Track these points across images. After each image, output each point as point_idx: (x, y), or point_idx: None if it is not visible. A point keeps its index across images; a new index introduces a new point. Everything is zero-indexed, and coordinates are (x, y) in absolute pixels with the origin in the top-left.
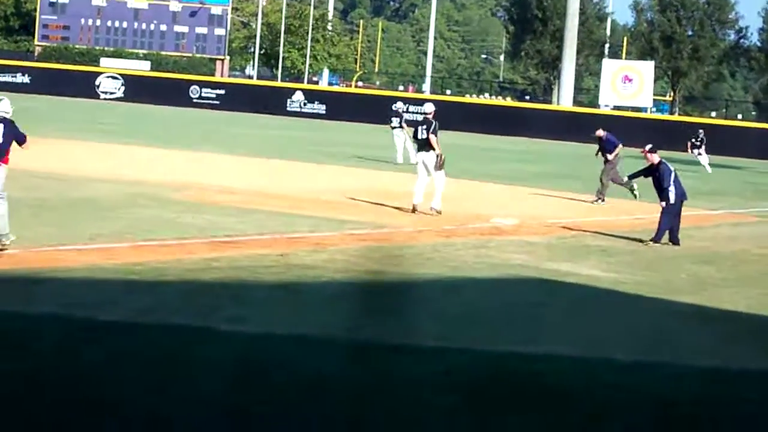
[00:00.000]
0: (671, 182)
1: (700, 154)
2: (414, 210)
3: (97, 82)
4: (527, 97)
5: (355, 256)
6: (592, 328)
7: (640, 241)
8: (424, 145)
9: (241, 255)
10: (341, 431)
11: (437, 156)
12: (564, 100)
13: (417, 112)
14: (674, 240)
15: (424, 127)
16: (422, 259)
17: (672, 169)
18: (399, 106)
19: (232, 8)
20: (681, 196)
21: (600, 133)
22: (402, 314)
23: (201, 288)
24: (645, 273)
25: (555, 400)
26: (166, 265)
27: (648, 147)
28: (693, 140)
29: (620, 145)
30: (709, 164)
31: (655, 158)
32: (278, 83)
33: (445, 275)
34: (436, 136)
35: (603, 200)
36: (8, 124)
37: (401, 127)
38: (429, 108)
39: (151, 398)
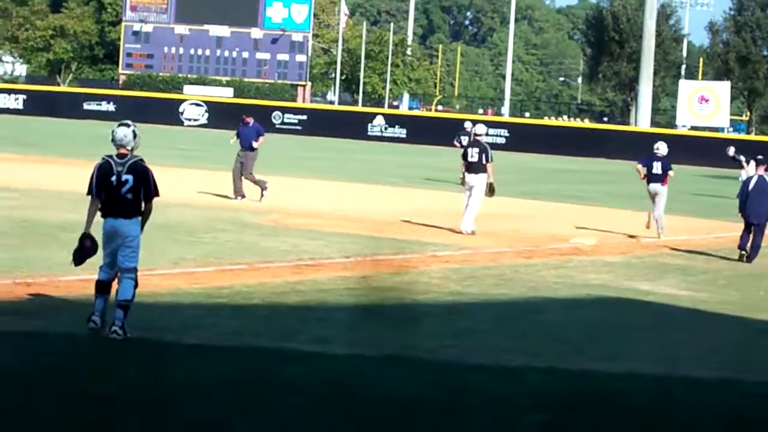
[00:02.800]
0: None
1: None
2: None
3: (180, 109)
4: (605, 119)
5: (436, 278)
6: (673, 346)
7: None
8: (475, 169)
9: (324, 278)
10: None
11: (489, 184)
12: (642, 121)
13: (495, 135)
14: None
15: (476, 150)
16: (503, 279)
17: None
18: (468, 125)
19: (313, 35)
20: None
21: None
22: (485, 334)
23: (285, 311)
24: (724, 291)
25: (639, 418)
26: (250, 288)
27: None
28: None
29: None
30: None
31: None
32: (359, 108)
33: (526, 295)
34: (491, 162)
35: None
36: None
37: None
38: (481, 129)
39: (240, 420)
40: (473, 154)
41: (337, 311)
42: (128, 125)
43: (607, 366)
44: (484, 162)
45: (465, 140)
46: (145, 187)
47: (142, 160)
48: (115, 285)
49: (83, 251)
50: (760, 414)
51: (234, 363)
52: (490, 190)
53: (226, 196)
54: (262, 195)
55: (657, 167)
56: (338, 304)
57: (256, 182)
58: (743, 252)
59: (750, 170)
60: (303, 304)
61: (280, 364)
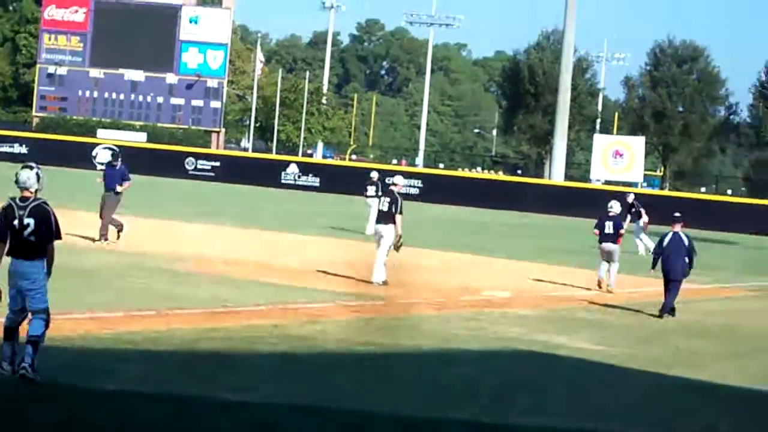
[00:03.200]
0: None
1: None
2: (384, 283)
3: (93, 153)
4: (519, 171)
5: (348, 327)
6: (592, 401)
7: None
8: (384, 218)
9: (237, 326)
10: None
11: (398, 237)
12: (556, 174)
13: (408, 186)
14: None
15: (388, 200)
16: (415, 331)
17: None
18: (374, 175)
19: (228, 81)
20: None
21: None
22: (398, 385)
23: (197, 358)
24: (638, 346)
25: None
26: (160, 334)
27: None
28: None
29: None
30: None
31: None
32: (273, 155)
33: (439, 347)
34: (401, 214)
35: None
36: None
37: (377, 196)
38: (399, 181)
39: None
40: (384, 203)
41: (248, 359)
42: (31, 167)
43: (529, 421)
44: (393, 212)
45: (371, 190)
46: (47, 229)
47: (45, 203)
48: (24, 327)
49: None
50: None
51: (145, 409)
52: (397, 244)
53: (92, 238)
54: (118, 236)
55: (609, 227)
56: (250, 353)
57: (113, 223)
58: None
59: (645, 219)
60: (215, 352)
61: (190, 411)
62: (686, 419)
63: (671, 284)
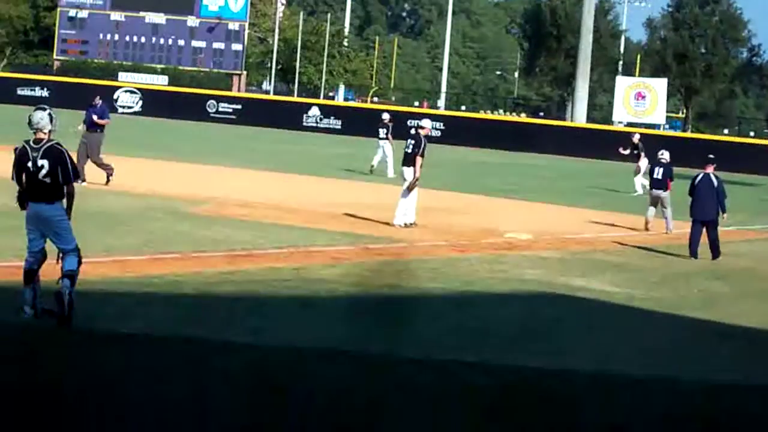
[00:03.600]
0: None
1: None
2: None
3: (115, 96)
4: (541, 114)
5: (370, 270)
6: (607, 343)
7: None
8: (406, 160)
9: (257, 269)
10: None
11: (415, 178)
12: (578, 116)
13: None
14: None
15: (412, 142)
16: (437, 273)
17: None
18: (385, 117)
19: (249, 24)
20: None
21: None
22: (417, 328)
23: (217, 301)
24: (657, 289)
25: (572, 415)
26: (182, 278)
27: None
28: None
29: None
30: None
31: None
32: (294, 98)
33: (460, 289)
34: (422, 157)
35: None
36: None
37: (387, 138)
38: (426, 124)
39: (171, 410)
40: (408, 145)
41: (269, 302)
42: (44, 109)
43: (540, 362)
44: (415, 153)
45: (382, 132)
46: (63, 170)
47: (58, 144)
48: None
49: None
50: (694, 412)
51: (165, 353)
52: (411, 185)
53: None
54: (108, 180)
55: (658, 173)
56: (270, 296)
57: (101, 166)
58: (694, 258)
59: (643, 163)
60: (235, 295)
61: (211, 354)
62: (697, 360)
63: (705, 225)
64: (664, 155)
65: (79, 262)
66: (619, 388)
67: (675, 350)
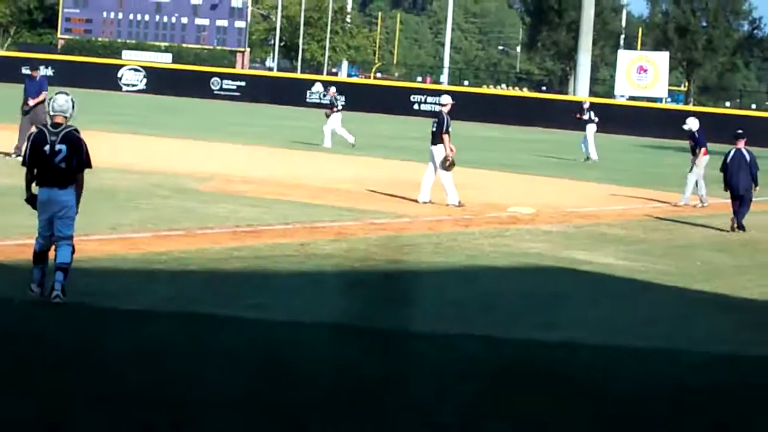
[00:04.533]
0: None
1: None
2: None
3: (119, 75)
4: (543, 88)
5: (374, 246)
6: (610, 315)
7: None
8: (433, 139)
9: (262, 245)
10: (362, 418)
11: (445, 158)
12: (580, 90)
13: (434, 104)
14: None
15: (436, 121)
16: (441, 248)
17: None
18: (332, 90)
19: (252, 1)
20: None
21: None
22: (421, 302)
23: (223, 277)
24: (661, 261)
25: (577, 388)
26: (188, 254)
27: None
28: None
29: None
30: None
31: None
32: (298, 75)
33: (464, 264)
34: (448, 134)
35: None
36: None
37: (331, 109)
38: (445, 100)
39: (176, 385)
40: (433, 124)
41: (275, 278)
42: (67, 94)
43: (544, 335)
44: (441, 131)
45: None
46: (78, 157)
47: (76, 130)
48: (52, 253)
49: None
50: (698, 383)
51: (171, 329)
52: (445, 163)
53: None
54: (11, 155)
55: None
56: (276, 271)
57: (22, 139)
58: (742, 230)
59: (590, 130)
60: (241, 271)
61: (217, 330)
62: (699, 332)
63: (740, 199)
64: (688, 123)
65: (73, 252)
66: (623, 360)
67: (678, 322)
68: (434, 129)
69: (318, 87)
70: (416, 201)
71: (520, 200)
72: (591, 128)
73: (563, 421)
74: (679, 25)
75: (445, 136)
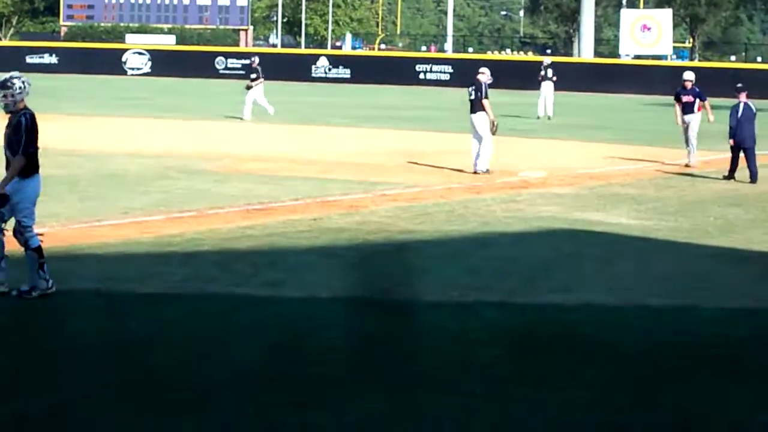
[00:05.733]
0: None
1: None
2: (475, 173)
3: (123, 59)
4: (548, 51)
5: (387, 217)
6: (626, 276)
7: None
8: (473, 107)
9: (275, 221)
10: (385, 391)
11: (492, 121)
12: (585, 51)
13: (439, 72)
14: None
15: (473, 88)
16: (453, 215)
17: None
18: (255, 60)
19: None
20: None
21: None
22: (437, 271)
23: (237, 256)
24: (674, 218)
25: (594, 349)
26: (201, 235)
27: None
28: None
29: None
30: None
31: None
32: (302, 50)
33: (477, 230)
34: (487, 98)
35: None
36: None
37: (253, 79)
38: (485, 70)
39: (196, 366)
40: (471, 93)
41: (288, 255)
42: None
43: (560, 298)
44: (480, 98)
45: (253, 76)
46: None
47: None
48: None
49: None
50: (714, 339)
51: (189, 311)
52: (492, 129)
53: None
54: None
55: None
56: (289, 248)
57: None
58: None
59: (547, 89)
60: (254, 249)
61: (233, 309)
62: (710, 286)
63: (747, 152)
64: (685, 76)
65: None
66: (641, 319)
67: (694, 278)
68: (472, 97)
69: (323, 61)
70: (474, 173)
71: (530, 164)
72: (547, 86)
73: (585, 382)
74: None
75: (485, 102)
